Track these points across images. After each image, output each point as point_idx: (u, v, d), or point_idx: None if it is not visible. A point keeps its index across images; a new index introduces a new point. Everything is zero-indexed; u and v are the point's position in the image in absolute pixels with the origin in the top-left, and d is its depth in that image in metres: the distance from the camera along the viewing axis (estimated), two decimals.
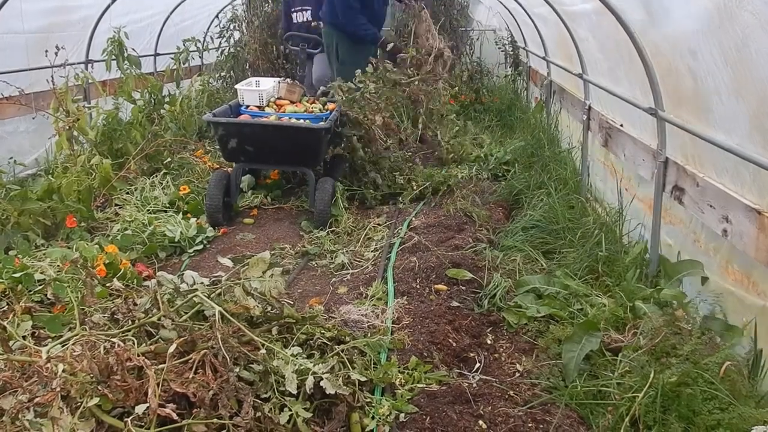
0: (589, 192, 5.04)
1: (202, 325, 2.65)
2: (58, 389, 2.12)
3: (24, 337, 2.77)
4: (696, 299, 3.11)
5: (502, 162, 6.17)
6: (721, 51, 2.69)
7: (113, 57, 5.82)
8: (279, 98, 5.54)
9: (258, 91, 5.41)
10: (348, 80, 5.66)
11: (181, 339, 2.47)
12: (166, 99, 6.65)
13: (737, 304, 2.84)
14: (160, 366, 2.32)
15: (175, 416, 2.16)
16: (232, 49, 8.64)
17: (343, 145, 5.35)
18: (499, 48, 9.71)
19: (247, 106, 5.37)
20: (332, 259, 4.25)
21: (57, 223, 4.28)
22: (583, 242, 4.02)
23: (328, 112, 5.38)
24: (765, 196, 2.59)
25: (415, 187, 5.46)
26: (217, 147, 5.53)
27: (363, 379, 2.63)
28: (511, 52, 9.49)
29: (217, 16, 9.07)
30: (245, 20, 8.52)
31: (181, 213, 4.81)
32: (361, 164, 5.45)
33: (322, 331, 2.85)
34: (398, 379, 2.77)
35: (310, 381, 2.44)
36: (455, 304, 3.51)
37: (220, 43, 8.66)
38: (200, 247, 4.42)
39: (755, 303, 2.70)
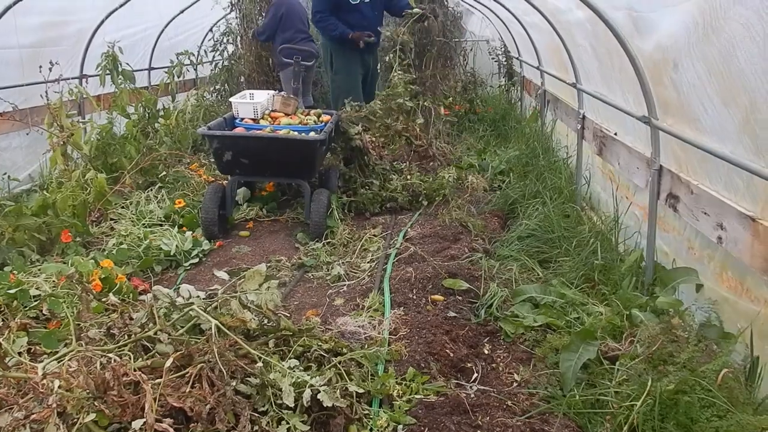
0: (585, 201, 5.06)
1: (199, 338, 2.65)
2: (54, 405, 2.11)
3: (20, 354, 2.76)
4: (692, 307, 3.12)
5: (497, 171, 6.19)
6: (706, 61, 2.71)
7: (107, 71, 5.83)
8: (274, 111, 5.56)
9: (252, 104, 5.43)
10: (341, 88, 6.11)
11: (178, 353, 2.47)
12: (161, 113, 6.65)
13: (732, 311, 2.85)
14: (157, 381, 2.33)
15: (172, 431, 2.16)
16: (226, 63, 8.65)
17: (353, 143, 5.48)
18: (493, 58, 9.76)
19: (242, 119, 5.38)
20: (328, 270, 4.25)
21: (52, 239, 4.27)
22: (578, 251, 4.03)
23: (323, 123, 5.39)
24: (758, 202, 2.60)
25: (407, 196, 5.51)
26: (212, 160, 5.53)
27: (360, 391, 2.62)
28: (505, 62, 9.54)
29: (211, 30, 9.09)
30: (239, 33, 8.54)
31: (176, 226, 4.81)
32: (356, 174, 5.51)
33: (319, 344, 2.85)
34: (396, 391, 2.77)
35: (307, 394, 2.44)
36: (452, 314, 3.51)
37: (214, 56, 8.68)
38: (196, 260, 4.42)
39: (750, 310, 2.70)
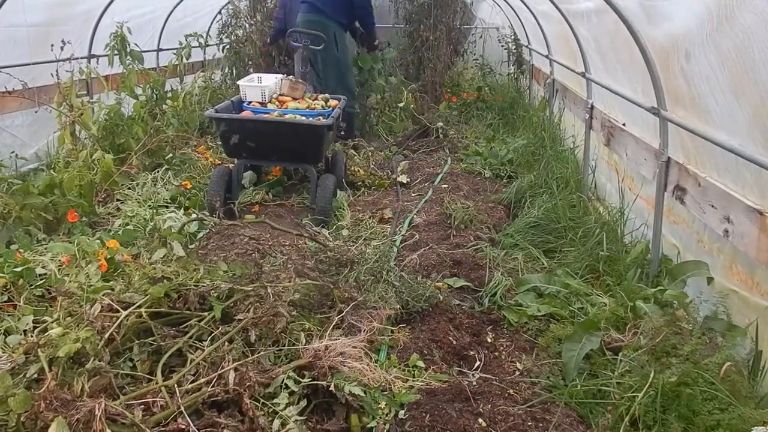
0: (591, 191, 5.04)
1: None
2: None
3: (25, 332, 2.78)
4: (697, 299, 3.11)
5: (505, 160, 6.17)
6: (719, 51, 2.69)
7: (116, 52, 5.81)
8: (281, 95, 5.54)
9: (260, 88, 5.41)
10: (346, 67, 6.64)
11: None
12: (169, 94, 6.64)
13: (741, 304, 2.83)
14: None
15: None
16: (234, 46, 8.62)
17: None
18: (502, 46, 9.70)
19: (250, 102, 5.37)
20: None
21: (58, 218, 4.28)
22: (584, 241, 4.02)
23: (331, 109, 5.38)
24: (766, 196, 2.58)
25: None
26: (219, 143, 5.53)
27: (361, 394, 2.57)
28: (514, 50, 9.48)
29: (219, 12, 9.05)
30: (247, 16, 8.50)
31: (182, 208, 4.81)
32: None
33: None
34: (397, 382, 2.75)
35: None
36: (456, 302, 3.51)
37: (222, 39, 8.65)
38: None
39: (759, 303, 2.69)
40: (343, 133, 6.29)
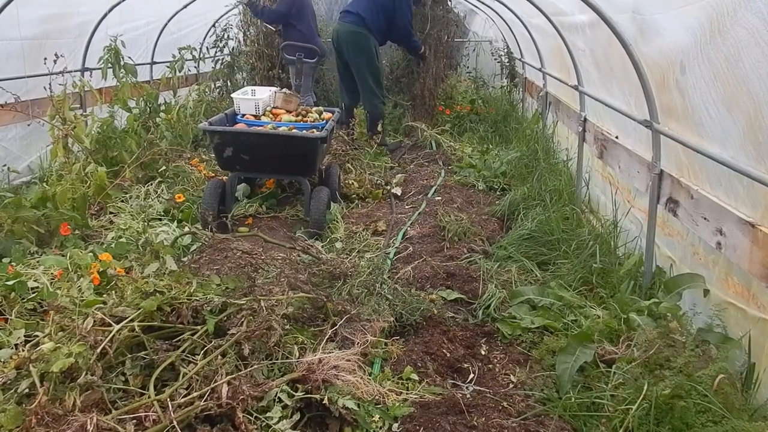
0: (585, 203, 5.06)
1: None
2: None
3: (16, 346, 2.76)
4: (690, 311, 3.11)
5: (498, 172, 6.19)
6: (712, 65, 2.71)
7: (109, 65, 5.82)
8: (275, 107, 5.56)
9: (254, 100, 5.42)
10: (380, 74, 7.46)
11: None
12: (162, 107, 6.64)
13: (738, 316, 2.84)
14: None
15: None
16: (228, 59, 8.65)
17: None
18: (495, 59, 9.75)
19: (243, 115, 5.37)
20: None
21: (51, 231, 4.26)
22: (577, 253, 4.03)
23: (324, 121, 5.39)
24: (758, 208, 2.60)
25: None
26: (213, 156, 5.53)
27: (355, 407, 2.56)
28: (507, 63, 9.54)
29: (213, 26, 9.08)
30: (241, 30, 8.54)
31: (175, 221, 4.80)
32: None
33: None
34: (391, 395, 2.74)
35: None
36: (449, 314, 3.51)
37: (215, 53, 8.67)
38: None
39: (755, 316, 2.70)
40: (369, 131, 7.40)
